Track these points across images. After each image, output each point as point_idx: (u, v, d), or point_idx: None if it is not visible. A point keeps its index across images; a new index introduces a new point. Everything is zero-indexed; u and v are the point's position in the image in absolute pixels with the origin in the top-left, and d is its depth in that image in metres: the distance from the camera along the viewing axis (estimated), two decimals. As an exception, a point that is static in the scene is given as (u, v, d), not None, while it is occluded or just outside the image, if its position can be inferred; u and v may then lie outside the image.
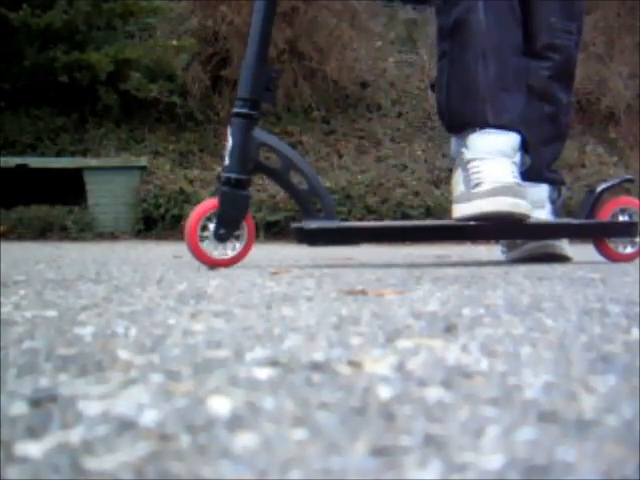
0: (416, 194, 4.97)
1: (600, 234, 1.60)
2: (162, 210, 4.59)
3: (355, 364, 0.43)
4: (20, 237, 4.31)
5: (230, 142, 1.43)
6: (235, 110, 1.45)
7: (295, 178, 1.48)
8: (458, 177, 1.57)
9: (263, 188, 4.88)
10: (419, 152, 5.83)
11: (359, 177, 5.15)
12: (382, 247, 3.43)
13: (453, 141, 1.67)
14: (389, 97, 6.44)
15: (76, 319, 0.61)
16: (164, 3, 5.63)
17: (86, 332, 0.54)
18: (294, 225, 1.49)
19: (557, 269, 1.37)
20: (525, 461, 0.26)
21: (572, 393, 0.36)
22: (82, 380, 0.38)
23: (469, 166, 1.53)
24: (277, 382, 0.38)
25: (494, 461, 0.26)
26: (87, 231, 4.50)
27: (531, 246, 1.65)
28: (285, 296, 0.81)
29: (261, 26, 1.45)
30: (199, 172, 5.07)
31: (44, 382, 0.38)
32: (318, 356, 0.45)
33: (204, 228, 1.40)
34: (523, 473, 0.25)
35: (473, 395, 0.36)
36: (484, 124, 1.55)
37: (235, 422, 0.31)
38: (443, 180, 5.27)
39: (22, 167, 4.55)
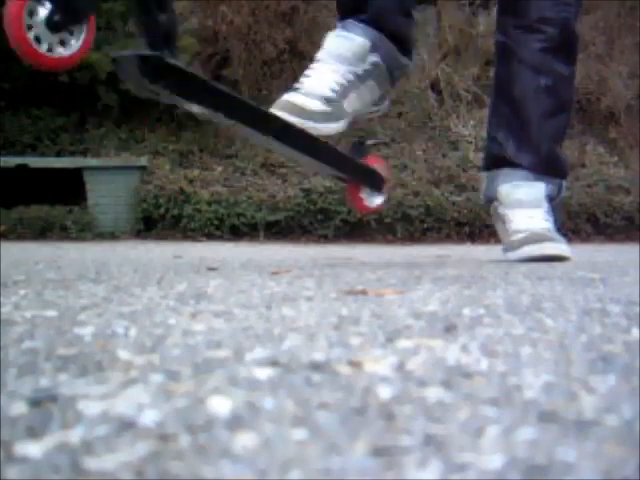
0: (416, 194, 4.97)
1: (361, 178, 1.61)
2: (162, 210, 4.59)
3: (355, 364, 0.43)
4: (20, 237, 4.31)
5: None
6: None
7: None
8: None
9: (263, 188, 4.88)
10: (419, 152, 5.83)
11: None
12: (382, 247, 3.43)
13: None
14: (389, 97, 6.44)
15: (76, 319, 0.61)
16: (164, 3, 5.62)
17: (86, 332, 0.54)
18: (128, 53, 1.17)
19: (557, 269, 1.37)
20: (525, 461, 0.26)
21: (572, 393, 0.36)
22: (82, 380, 0.38)
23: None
24: (277, 382, 0.38)
25: (494, 461, 0.26)
26: (87, 231, 4.51)
27: (528, 249, 1.64)
28: (285, 296, 0.81)
29: None
30: (199, 172, 5.07)
31: (44, 382, 0.38)
32: (318, 356, 0.45)
33: (34, 14, 1.08)
34: (523, 473, 0.25)
35: (473, 395, 0.36)
36: (355, 10, 1.52)
37: (235, 422, 0.31)
38: (443, 180, 5.27)
39: (22, 167, 4.55)
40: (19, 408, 0.33)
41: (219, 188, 4.81)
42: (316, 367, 0.42)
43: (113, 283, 0.97)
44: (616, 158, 6.23)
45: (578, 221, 5.07)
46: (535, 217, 1.67)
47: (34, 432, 0.29)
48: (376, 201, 1.64)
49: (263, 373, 0.40)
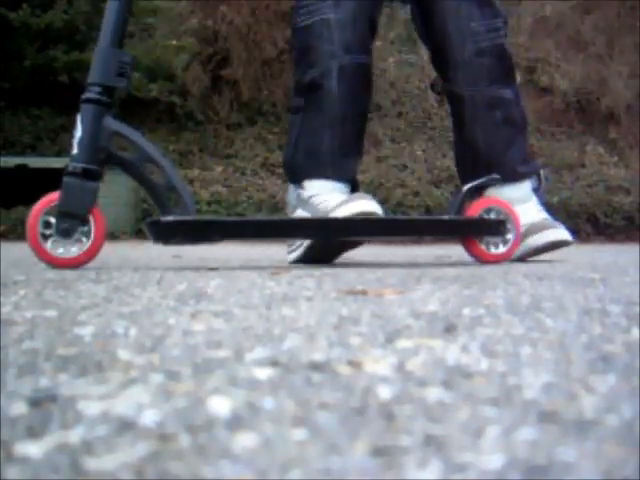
0: (416, 194, 4.97)
1: (469, 232, 1.54)
2: (162, 210, 4.58)
3: (355, 364, 0.43)
4: (20, 237, 4.31)
5: (79, 130, 1.33)
6: (84, 96, 1.35)
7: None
8: (300, 213, 1.67)
9: (263, 188, 4.88)
10: (419, 152, 5.83)
11: (359, 177, 5.14)
12: (382, 247, 3.43)
13: (291, 188, 1.75)
14: (389, 97, 6.44)
15: (76, 319, 0.61)
16: (164, 3, 5.63)
17: (86, 332, 0.54)
18: (148, 220, 1.39)
19: (557, 269, 1.37)
20: (525, 461, 0.26)
21: (572, 393, 0.36)
22: (82, 380, 0.38)
23: (311, 200, 1.61)
24: (277, 382, 0.38)
25: (494, 461, 0.26)
26: (87, 231, 4.50)
27: (532, 239, 1.66)
28: (285, 296, 0.81)
29: (116, 8, 1.37)
30: (199, 172, 5.07)
31: (44, 382, 0.38)
32: (318, 356, 0.45)
33: (48, 225, 1.31)
34: (523, 473, 0.25)
35: (473, 395, 0.36)
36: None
37: (235, 422, 0.31)
38: (443, 180, 5.27)
39: (22, 167, 4.55)
40: (19, 408, 0.33)
41: (219, 188, 4.81)
42: (316, 367, 0.42)
43: (113, 283, 0.97)
44: (616, 158, 6.23)
45: (578, 221, 5.07)
46: (528, 210, 1.69)
47: (34, 432, 0.29)
48: (501, 248, 1.54)
49: (263, 373, 0.40)
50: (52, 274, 1.15)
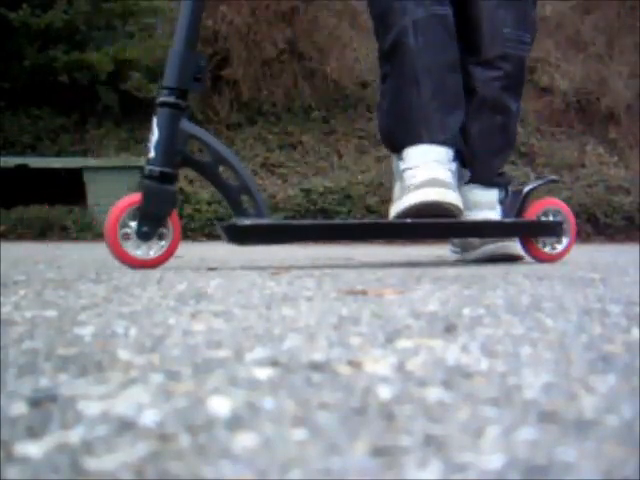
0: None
1: (529, 233, 1.63)
2: (162, 210, 4.58)
3: (355, 364, 0.43)
4: (20, 237, 4.32)
5: (155, 133, 1.34)
6: (161, 99, 1.36)
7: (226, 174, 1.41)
8: (396, 187, 1.63)
9: (262, 188, 4.88)
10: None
11: (359, 177, 5.15)
12: (382, 247, 3.43)
13: (394, 160, 1.71)
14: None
15: (76, 319, 0.61)
16: (164, 3, 5.64)
17: (86, 332, 0.54)
18: (223, 223, 1.41)
19: (557, 269, 1.37)
20: (525, 461, 0.26)
21: (572, 393, 0.36)
22: (82, 380, 0.38)
23: (404, 175, 1.57)
24: (277, 382, 0.38)
25: (494, 461, 0.26)
26: (87, 231, 4.51)
27: (489, 247, 1.70)
28: (285, 296, 0.81)
29: (191, 9, 1.37)
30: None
31: (44, 382, 0.38)
32: (318, 356, 0.45)
33: (126, 226, 1.32)
34: (523, 473, 0.25)
35: (473, 395, 0.36)
36: (419, 142, 1.59)
37: (235, 422, 0.31)
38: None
39: (22, 167, 4.55)
40: (19, 408, 0.33)
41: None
42: (316, 367, 0.42)
43: (113, 283, 0.97)
44: (616, 158, 6.23)
45: (578, 221, 5.07)
46: (492, 218, 1.72)
47: (34, 432, 0.29)
48: (558, 247, 1.63)
49: (263, 373, 0.40)
50: (52, 274, 1.15)
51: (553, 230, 1.62)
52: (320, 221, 1.58)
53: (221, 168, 1.38)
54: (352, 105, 6.21)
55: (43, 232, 4.43)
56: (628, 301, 0.77)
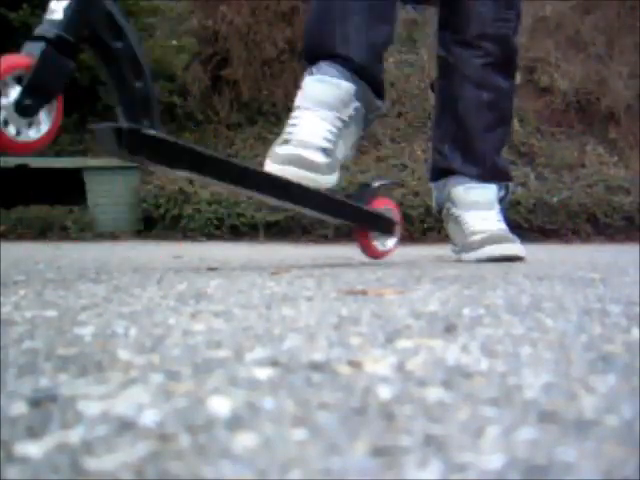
0: (416, 194, 4.97)
1: (368, 223, 1.57)
2: (162, 210, 4.59)
3: (355, 364, 0.43)
4: (20, 237, 4.31)
5: None
6: None
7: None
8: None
9: (263, 188, 4.87)
10: (419, 152, 5.83)
11: (359, 177, 5.15)
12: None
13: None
14: (389, 97, 6.44)
15: (76, 319, 0.61)
16: (164, 3, 5.64)
17: (86, 332, 0.54)
18: (112, 126, 1.15)
19: (557, 269, 1.37)
20: (525, 461, 0.26)
21: (572, 393, 0.36)
22: (82, 380, 0.38)
23: (292, 114, 1.48)
24: (277, 382, 0.38)
25: (494, 461, 0.26)
26: (87, 231, 4.50)
27: (490, 248, 1.69)
28: (285, 296, 0.81)
29: None
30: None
31: (44, 382, 0.38)
32: (318, 356, 0.45)
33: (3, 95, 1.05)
34: (523, 473, 0.25)
35: (473, 395, 0.36)
36: (330, 54, 1.47)
37: (235, 422, 0.31)
38: (443, 180, 5.26)
39: (22, 167, 4.55)
40: (19, 408, 0.33)
41: (219, 188, 4.81)
42: (316, 367, 0.42)
43: (113, 283, 0.97)
44: (616, 158, 6.23)
45: (578, 221, 5.07)
46: (489, 218, 1.72)
47: (34, 432, 0.29)
48: (387, 244, 1.62)
49: (263, 373, 0.40)
50: (52, 274, 1.15)
51: (388, 226, 1.59)
52: (215, 153, 1.25)
53: (128, 63, 1.16)
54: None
55: (43, 232, 4.43)
56: (628, 301, 0.77)
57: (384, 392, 0.36)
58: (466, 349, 0.48)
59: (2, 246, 2.75)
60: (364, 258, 1.63)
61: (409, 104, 6.38)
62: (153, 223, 4.65)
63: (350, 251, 2.30)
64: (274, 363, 0.43)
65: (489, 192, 1.74)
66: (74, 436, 0.29)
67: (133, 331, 0.55)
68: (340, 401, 0.34)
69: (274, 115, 5.97)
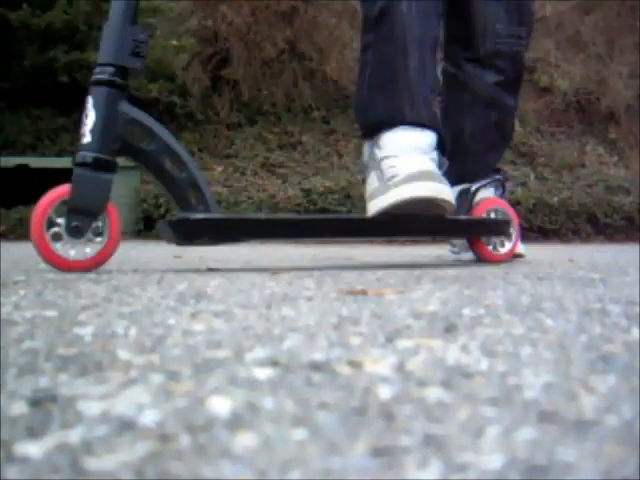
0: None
1: (481, 232, 1.54)
2: (162, 210, 4.59)
3: (355, 364, 0.43)
4: (20, 237, 4.31)
5: (92, 115, 1.18)
6: (95, 77, 1.19)
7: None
8: (372, 178, 1.47)
9: (263, 188, 4.88)
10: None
11: (359, 177, 5.14)
12: (382, 247, 3.43)
13: (366, 147, 1.55)
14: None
15: (76, 319, 0.61)
16: (164, 3, 5.63)
17: (86, 332, 0.54)
18: (169, 219, 1.25)
19: (557, 269, 1.37)
20: (525, 461, 0.26)
21: (572, 393, 0.36)
22: (82, 380, 0.38)
23: (382, 164, 1.43)
24: (277, 382, 0.38)
25: (494, 461, 0.26)
26: (87, 231, 4.50)
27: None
28: (285, 296, 0.81)
29: None
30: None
31: (44, 382, 0.38)
32: (318, 356, 0.45)
33: (53, 224, 1.16)
34: (523, 473, 0.25)
35: (473, 395, 0.36)
36: (402, 122, 1.45)
37: (235, 422, 0.31)
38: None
39: (22, 167, 4.55)
40: (19, 408, 0.33)
41: (219, 188, 4.81)
42: (316, 367, 0.42)
43: (113, 283, 0.97)
44: (616, 158, 6.23)
45: (578, 221, 5.07)
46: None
47: (34, 432, 0.29)
48: (505, 247, 1.56)
49: (263, 373, 0.40)
50: (52, 274, 1.15)
51: (502, 229, 1.54)
52: (283, 215, 1.31)
53: (166, 158, 1.23)
54: (352, 105, 6.20)
55: (43, 232, 4.42)
56: (628, 301, 0.77)
57: (384, 392, 0.36)
58: (466, 349, 0.48)
59: (2, 246, 2.75)
60: (364, 258, 1.63)
61: (409, 104, 6.38)
62: (153, 223, 4.65)
63: (350, 251, 2.30)
64: (274, 363, 0.43)
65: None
66: (74, 436, 0.29)
67: (133, 331, 0.55)
68: (340, 401, 0.34)
69: (274, 115, 5.97)
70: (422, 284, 0.98)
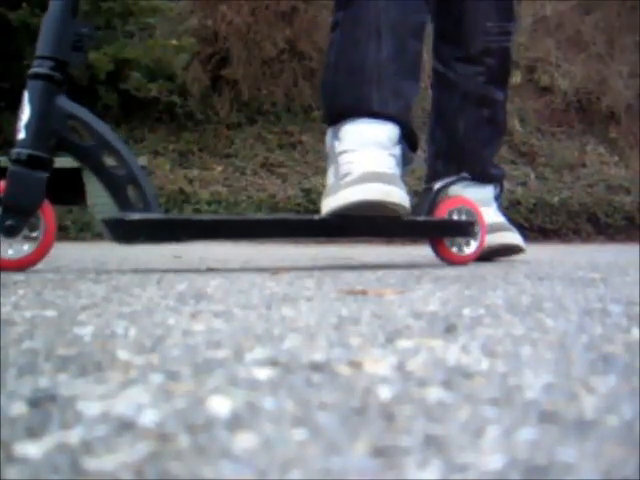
0: (416, 194, 4.97)
1: (442, 233, 1.48)
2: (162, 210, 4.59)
3: (355, 364, 0.43)
4: (20, 237, 4.30)
5: (27, 110, 1.15)
6: (33, 70, 1.16)
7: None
8: (329, 172, 1.43)
9: (263, 188, 4.88)
10: (419, 152, 5.82)
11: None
12: (382, 247, 3.43)
13: (328, 135, 1.49)
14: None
15: (76, 319, 0.61)
16: (164, 3, 5.63)
17: (86, 332, 0.54)
18: (106, 218, 1.20)
19: (557, 269, 1.37)
20: (525, 461, 0.26)
21: (572, 393, 0.36)
22: (82, 380, 0.38)
23: (339, 158, 1.38)
24: (277, 382, 0.38)
25: (494, 461, 0.26)
26: (86, 231, 4.50)
27: (490, 237, 1.61)
28: (285, 296, 0.81)
29: None
30: (199, 172, 5.07)
31: (44, 382, 0.38)
32: (318, 356, 0.45)
33: None
34: (523, 473, 0.25)
35: (473, 395, 0.35)
36: (367, 112, 1.39)
37: (235, 422, 0.31)
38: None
39: (22, 167, 4.54)
40: (19, 408, 0.33)
41: (219, 188, 4.81)
42: (316, 367, 0.42)
43: (113, 283, 0.97)
44: (616, 158, 6.23)
45: (578, 221, 5.07)
46: (489, 213, 1.65)
47: (34, 432, 0.29)
48: (469, 248, 1.50)
49: (263, 373, 0.40)
50: (52, 274, 1.15)
51: (466, 230, 1.48)
52: (222, 216, 1.25)
53: (105, 154, 1.19)
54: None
55: (43, 232, 4.42)
56: (628, 301, 0.77)
57: (384, 392, 0.36)
58: (466, 349, 0.48)
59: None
60: (364, 258, 1.63)
61: (409, 104, 6.38)
62: (153, 223, 4.64)
63: (350, 251, 2.30)
64: (274, 363, 0.43)
65: (485, 190, 1.72)
66: (74, 436, 0.29)
67: (133, 331, 0.55)
68: (340, 401, 0.34)
69: (274, 115, 5.97)
70: (422, 284, 0.98)
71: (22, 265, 1.16)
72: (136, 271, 1.25)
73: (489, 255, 1.67)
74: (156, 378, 0.39)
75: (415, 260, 1.83)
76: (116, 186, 1.18)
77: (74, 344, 0.49)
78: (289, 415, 0.32)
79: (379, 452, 0.27)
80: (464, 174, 1.58)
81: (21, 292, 0.83)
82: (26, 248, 1.15)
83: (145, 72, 5.20)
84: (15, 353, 0.46)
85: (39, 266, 1.32)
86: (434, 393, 0.36)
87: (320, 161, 5.53)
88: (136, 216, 1.18)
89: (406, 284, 0.97)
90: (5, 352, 0.46)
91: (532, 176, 5.54)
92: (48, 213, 1.18)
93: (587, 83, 6.56)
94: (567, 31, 6.83)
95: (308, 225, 1.36)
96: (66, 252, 2.43)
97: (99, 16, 5.22)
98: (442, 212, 1.48)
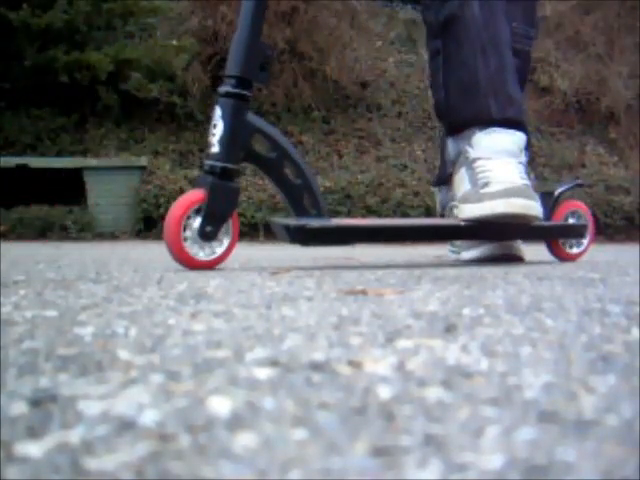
0: (416, 194, 4.97)
1: (558, 235, 1.69)
2: (162, 210, 4.59)
3: (355, 364, 0.43)
4: (20, 237, 4.31)
5: (220, 126, 1.26)
6: (225, 89, 1.27)
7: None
8: (462, 176, 1.55)
9: (263, 188, 4.88)
10: (419, 152, 5.83)
11: (359, 177, 5.15)
12: (382, 247, 3.43)
13: (450, 143, 1.64)
14: (389, 97, 6.44)
15: (76, 319, 0.61)
16: (164, 3, 5.63)
17: (86, 332, 0.54)
18: (282, 222, 1.33)
19: (557, 269, 1.37)
20: (525, 461, 0.26)
21: (572, 393, 0.36)
22: (82, 380, 0.38)
23: (475, 165, 1.50)
24: (277, 382, 0.38)
25: (494, 461, 0.26)
26: (87, 231, 4.51)
27: (489, 247, 1.67)
28: (285, 296, 0.81)
29: None
30: (199, 172, 5.07)
31: (44, 382, 0.38)
32: (318, 356, 0.45)
33: (188, 227, 1.25)
34: (523, 473, 0.25)
35: (473, 395, 0.36)
36: (488, 120, 1.52)
37: (235, 422, 0.31)
38: (443, 180, 5.25)
39: (22, 167, 4.55)
40: (19, 408, 0.33)
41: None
42: (316, 367, 0.42)
43: (113, 283, 0.97)
44: (616, 158, 6.23)
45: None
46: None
47: (34, 432, 0.29)
48: (578, 248, 1.72)
49: (263, 373, 0.40)
50: (52, 274, 1.15)
51: (577, 231, 1.69)
52: (381, 222, 1.62)
53: (286, 166, 1.32)
54: (352, 105, 6.21)
55: (43, 232, 4.43)
56: (628, 301, 0.77)
57: (384, 392, 0.36)
58: (466, 349, 0.48)
59: (2, 246, 2.75)
60: (364, 258, 1.63)
61: (409, 104, 6.38)
62: (153, 223, 4.65)
63: (350, 251, 2.30)
64: (274, 363, 0.43)
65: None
66: (74, 436, 0.29)
67: (133, 331, 0.55)
68: (340, 401, 0.34)
69: (274, 115, 5.97)
70: (422, 284, 0.98)
71: (212, 265, 1.30)
72: (136, 271, 1.25)
73: (488, 260, 1.67)
74: (156, 378, 0.39)
75: (415, 260, 1.83)
76: (294, 194, 1.33)
77: (75, 344, 0.49)
78: (289, 415, 0.32)
79: (379, 452, 0.27)
80: (579, 181, 1.73)
81: (22, 292, 0.84)
82: (218, 251, 1.30)
83: (145, 72, 5.20)
84: (16, 353, 0.46)
85: (40, 266, 1.33)
86: (434, 393, 0.36)
87: (320, 161, 5.54)
88: (315, 224, 1.32)
89: (406, 284, 0.97)
90: (5, 352, 0.46)
91: (532, 176, 5.54)
92: (235, 220, 1.32)
93: (587, 83, 6.56)
94: (567, 31, 6.83)
95: (455, 230, 1.53)
96: (66, 252, 2.43)
97: (100, 17, 5.22)
98: (560, 215, 1.70)
